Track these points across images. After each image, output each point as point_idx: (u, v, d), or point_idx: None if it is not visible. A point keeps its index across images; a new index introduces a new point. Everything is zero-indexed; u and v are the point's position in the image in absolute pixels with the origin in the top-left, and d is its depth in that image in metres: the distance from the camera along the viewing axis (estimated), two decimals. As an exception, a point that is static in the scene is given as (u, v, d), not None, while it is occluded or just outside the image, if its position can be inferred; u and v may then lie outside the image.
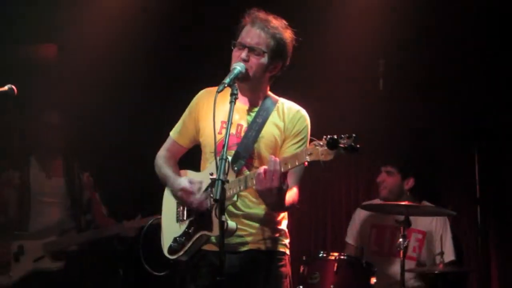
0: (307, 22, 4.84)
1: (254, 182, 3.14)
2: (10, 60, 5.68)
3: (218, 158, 3.09)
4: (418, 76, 5.78)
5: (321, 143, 2.92)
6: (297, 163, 3.05)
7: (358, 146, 2.84)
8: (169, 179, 3.53)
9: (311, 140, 3.02)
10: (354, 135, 2.85)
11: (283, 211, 3.45)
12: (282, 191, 3.13)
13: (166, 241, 3.52)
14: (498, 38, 5.40)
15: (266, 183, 3.08)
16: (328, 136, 2.89)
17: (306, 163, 3.04)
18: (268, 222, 3.43)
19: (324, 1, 5.59)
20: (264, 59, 3.40)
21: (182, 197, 3.39)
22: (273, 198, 3.13)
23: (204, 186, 3.34)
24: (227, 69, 3.36)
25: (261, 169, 3.11)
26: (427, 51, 5.73)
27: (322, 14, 5.60)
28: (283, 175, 3.10)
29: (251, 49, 3.38)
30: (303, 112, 3.53)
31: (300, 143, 3.44)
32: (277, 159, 3.10)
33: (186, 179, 3.41)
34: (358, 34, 5.55)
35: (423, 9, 5.50)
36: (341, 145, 2.85)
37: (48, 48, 6.45)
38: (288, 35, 3.46)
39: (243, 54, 3.37)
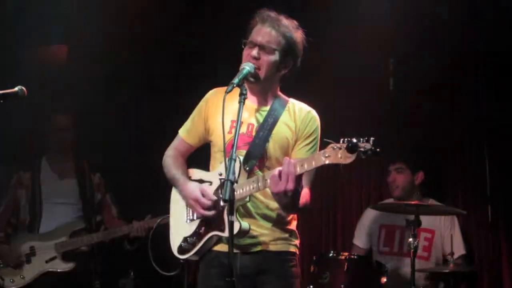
0: (316, 21, 4.84)
1: (268, 183, 3.12)
2: (20, 61, 5.70)
3: (227, 158, 3.07)
4: (428, 75, 5.75)
5: (339, 146, 2.89)
6: (314, 165, 3.02)
7: (378, 149, 2.82)
8: (179, 182, 3.51)
9: (327, 142, 2.98)
10: (372, 138, 2.84)
11: (297, 212, 3.45)
12: (297, 193, 3.13)
13: (176, 241, 3.52)
14: (509, 36, 5.37)
15: (282, 185, 3.06)
16: (347, 139, 2.86)
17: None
18: (279, 222, 3.42)
19: (335, 1, 5.58)
20: (275, 57, 3.39)
21: (193, 207, 3.39)
22: (287, 200, 3.12)
23: (215, 194, 3.32)
24: (235, 68, 3.36)
25: (276, 171, 3.09)
26: (437, 50, 5.70)
27: (332, 13, 5.59)
28: (299, 177, 3.09)
29: (262, 47, 3.37)
30: (314, 113, 3.53)
31: (312, 144, 3.45)
32: (292, 161, 3.08)
33: (198, 188, 3.40)
34: (368, 34, 5.54)
35: (434, 8, 5.48)
36: (361, 149, 2.83)
37: (58, 49, 6.48)
38: (298, 34, 3.45)
39: (254, 52, 3.37)
